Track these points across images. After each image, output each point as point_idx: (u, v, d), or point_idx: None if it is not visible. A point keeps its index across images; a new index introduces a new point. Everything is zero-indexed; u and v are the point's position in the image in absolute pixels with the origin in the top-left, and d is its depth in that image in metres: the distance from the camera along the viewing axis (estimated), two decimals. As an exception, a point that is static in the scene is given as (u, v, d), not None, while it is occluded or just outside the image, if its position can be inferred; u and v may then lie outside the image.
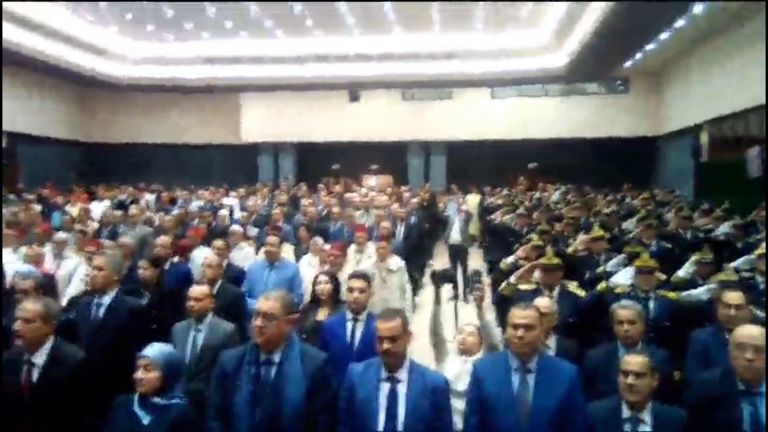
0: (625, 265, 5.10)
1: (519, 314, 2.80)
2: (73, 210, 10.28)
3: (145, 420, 2.72)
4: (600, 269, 5.40)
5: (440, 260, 10.29)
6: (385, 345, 2.68)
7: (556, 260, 4.53)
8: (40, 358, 2.96)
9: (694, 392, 3.00)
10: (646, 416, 2.69)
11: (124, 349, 3.26)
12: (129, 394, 2.79)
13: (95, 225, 8.66)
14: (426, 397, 2.69)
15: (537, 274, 4.82)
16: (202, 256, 5.28)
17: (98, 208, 10.89)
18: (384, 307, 3.54)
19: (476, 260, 11.04)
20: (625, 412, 2.70)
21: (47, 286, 4.47)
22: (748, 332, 2.76)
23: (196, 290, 3.78)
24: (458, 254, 9.31)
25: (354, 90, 18.83)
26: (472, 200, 14.67)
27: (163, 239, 5.80)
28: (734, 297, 3.66)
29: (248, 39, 16.71)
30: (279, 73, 17.52)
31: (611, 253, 5.88)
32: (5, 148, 15.57)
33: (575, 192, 13.44)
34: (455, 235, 9.41)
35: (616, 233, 7.50)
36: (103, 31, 16.14)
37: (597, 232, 6.14)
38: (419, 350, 3.29)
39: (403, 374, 2.73)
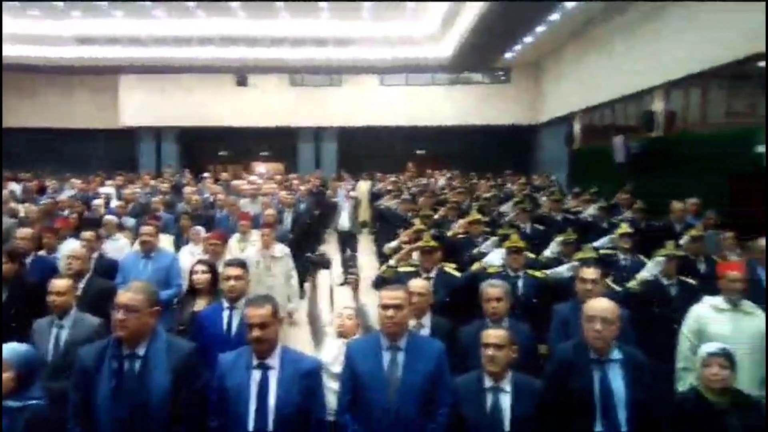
0: (498, 246, 5.39)
1: (388, 295, 2.91)
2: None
3: (-2, 424, 2.54)
4: (476, 251, 5.67)
5: (332, 247, 10.33)
6: (255, 332, 2.67)
7: (432, 243, 4.70)
8: None
9: (552, 362, 3.24)
10: (507, 385, 2.87)
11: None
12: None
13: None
14: (297, 381, 2.72)
15: (417, 257, 4.99)
16: (66, 249, 4.97)
17: (-46, 199, 9.88)
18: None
19: (366, 245, 11.20)
20: (487, 383, 2.87)
21: None
22: (598, 305, 2.99)
23: (57, 284, 3.55)
24: (347, 240, 9.41)
25: (241, 74, 18.34)
26: (363, 186, 14.82)
27: (25, 231, 5.39)
28: (590, 272, 3.97)
29: (126, 19, 15.75)
30: (160, 54, 16.69)
31: (488, 235, 6.19)
32: None
33: (460, 178, 13.96)
34: (344, 222, 9.50)
35: (495, 217, 7.89)
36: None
37: (474, 215, 6.44)
38: (305, 336, 3.31)
39: (274, 361, 2.74)
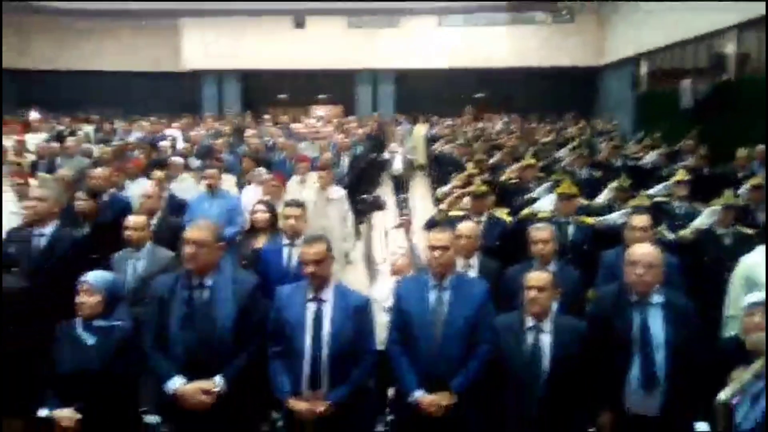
0: (550, 192, 5.41)
1: (435, 237, 3.07)
2: (8, 142, 9.94)
3: (90, 341, 2.88)
4: (528, 196, 5.71)
5: (388, 190, 10.47)
6: (310, 268, 2.89)
7: (483, 188, 4.79)
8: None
9: (595, 304, 3.34)
10: (547, 326, 3.00)
11: (67, 278, 3.36)
12: (70, 320, 2.94)
13: (32, 157, 8.46)
14: (349, 315, 2.93)
15: (468, 201, 5.09)
16: (141, 188, 5.32)
17: (34, 140, 10.54)
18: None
19: (422, 189, 11.31)
20: (528, 323, 3.01)
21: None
22: (639, 250, 3.05)
23: (134, 220, 3.87)
24: (401, 184, 9.56)
25: (299, 16, 18.31)
26: (420, 130, 14.82)
27: (100, 171, 5.77)
28: (640, 220, 3.99)
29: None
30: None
31: (542, 181, 6.19)
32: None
33: (518, 122, 13.74)
34: (397, 165, 9.62)
35: (551, 162, 7.83)
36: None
37: (528, 160, 6.44)
38: (361, 274, 3.52)
39: (328, 295, 2.95)
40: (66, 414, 2.77)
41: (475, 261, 3.93)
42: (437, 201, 6.24)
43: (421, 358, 3.01)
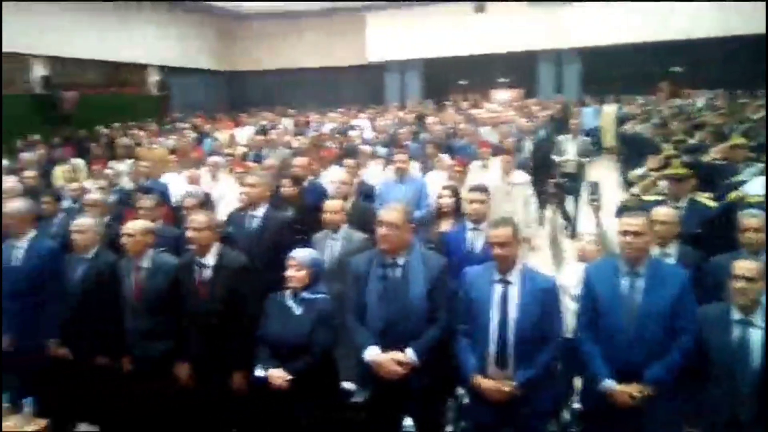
0: (762, 174, 4.84)
1: (628, 221, 2.93)
2: (222, 136, 11.33)
3: (297, 311, 3.23)
4: (735, 178, 5.16)
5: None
6: (497, 250, 2.94)
7: (683, 170, 4.44)
8: (209, 260, 3.57)
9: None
10: (758, 320, 2.74)
11: (276, 255, 3.81)
12: (280, 292, 3.32)
13: (242, 149, 9.55)
14: (536, 298, 2.93)
15: (664, 185, 4.75)
16: (335, 175, 5.75)
17: (242, 134, 11.88)
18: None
19: (610, 173, 10.70)
20: (735, 315, 2.77)
21: (207, 203, 5.21)
22: None
23: (331, 204, 4.24)
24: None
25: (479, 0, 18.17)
26: (608, 110, 14.00)
27: (301, 160, 6.34)
28: None
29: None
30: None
31: (753, 162, 5.55)
32: (160, 81, 17.17)
33: (723, 98, 12.33)
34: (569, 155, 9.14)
35: (763, 141, 6.95)
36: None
37: (736, 139, 5.81)
38: (544, 260, 3.49)
39: (514, 277, 2.98)
40: (278, 374, 3.13)
41: (673, 249, 3.67)
42: (628, 185, 5.90)
43: (612, 347, 2.92)
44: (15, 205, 4.14)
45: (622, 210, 4.57)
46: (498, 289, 2.98)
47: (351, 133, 9.70)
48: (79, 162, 8.98)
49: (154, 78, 17.18)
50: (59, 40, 13.47)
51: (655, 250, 3.42)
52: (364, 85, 20.00)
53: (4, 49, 11.97)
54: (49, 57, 13.35)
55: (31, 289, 3.93)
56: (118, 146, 9.65)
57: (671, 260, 3.61)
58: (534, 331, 2.90)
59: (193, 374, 3.57)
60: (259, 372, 3.19)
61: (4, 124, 11.33)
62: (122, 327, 3.72)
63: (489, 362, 2.96)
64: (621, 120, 12.25)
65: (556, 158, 7.73)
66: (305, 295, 3.23)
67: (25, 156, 8.64)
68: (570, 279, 3.59)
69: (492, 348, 2.94)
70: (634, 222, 2.92)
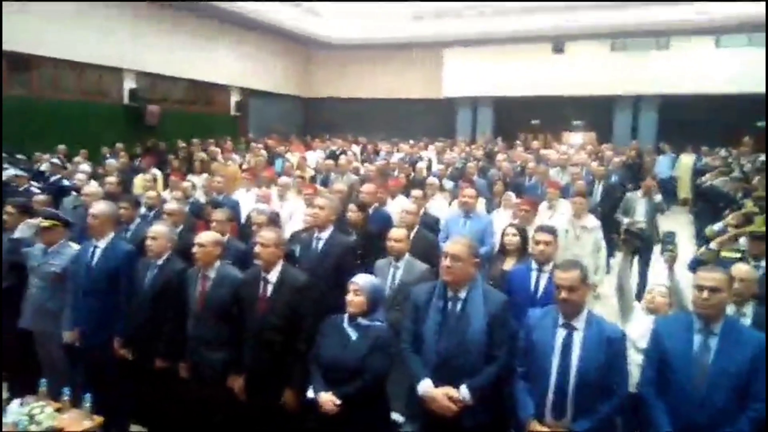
0: None
1: (705, 276, 2.80)
2: (293, 158, 11.66)
3: (353, 336, 3.23)
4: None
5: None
6: (563, 294, 2.85)
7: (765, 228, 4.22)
8: (273, 276, 3.64)
9: None
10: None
11: (337, 277, 3.85)
12: (338, 315, 3.34)
13: (311, 172, 9.77)
14: (601, 346, 2.81)
15: (744, 243, 4.53)
16: (400, 204, 5.79)
17: (313, 157, 12.18)
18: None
19: (684, 225, 10.29)
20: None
21: (275, 221, 5.34)
22: None
23: (396, 233, 4.26)
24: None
25: (559, 41, 18.06)
26: (685, 161, 13.54)
27: (368, 187, 6.42)
28: None
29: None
30: (481, 28, 17.44)
31: None
32: (239, 101, 17.91)
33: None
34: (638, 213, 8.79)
35: None
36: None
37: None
38: (609, 310, 3.36)
39: (579, 323, 2.87)
40: (328, 397, 3.12)
41: (749, 310, 3.49)
42: (704, 239, 5.65)
43: (679, 405, 2.78)
44: (99, 206, 4.38)
45: (697, 263, 4.38)
46: (561, 333, 2.89)
47: (418, 164, 9.76)
48: (158, 172, 9.44)
49: (234, 98, 17.94)
50: (150, 57, 14.34)
51: (730, 309, 3.26)
52: (436, 118, 20.14)
53: (101, 62, 12.87)
54: (138, 72, 14.20)
55: (106, 289, 4.13)
56: (195, 160, 10.09)
57: (747, 321, 3.43)
58: (596, 381, 2.79)
59: (247, 387, 3.62)
60: (310, 393, 3.20)
61: (97, 130, 12.13)
62: (184, 333, 3.85)
63: (546, 408, 2.86)
64: (698, 172, 11.80)
65: (623, 219, 7.27)
66: (362, 321, 3.23)
67: (110, 163, 9.17)
68: (637, 330, 3.46)
69: (550, 394, 2.84)
70: (712, 277, 2.79)
